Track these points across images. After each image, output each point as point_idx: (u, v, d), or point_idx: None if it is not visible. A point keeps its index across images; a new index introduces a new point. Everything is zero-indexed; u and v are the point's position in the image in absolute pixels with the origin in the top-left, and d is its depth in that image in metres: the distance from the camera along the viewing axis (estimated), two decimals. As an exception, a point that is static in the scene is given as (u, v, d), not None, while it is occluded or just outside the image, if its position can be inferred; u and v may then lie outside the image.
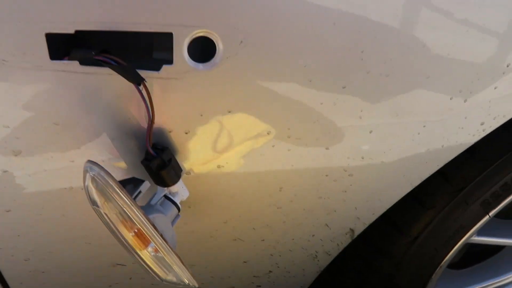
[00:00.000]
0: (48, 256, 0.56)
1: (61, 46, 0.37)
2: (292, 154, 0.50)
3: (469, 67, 0.47)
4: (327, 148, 0.51)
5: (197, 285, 0.44)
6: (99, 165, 0.37)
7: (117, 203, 0.38)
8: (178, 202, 0.47)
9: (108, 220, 0.40)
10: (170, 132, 0.45)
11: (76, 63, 0.38)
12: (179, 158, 0.48)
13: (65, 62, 0.38)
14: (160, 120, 0.44)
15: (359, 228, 0.66)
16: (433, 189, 0.71)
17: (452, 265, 0.98)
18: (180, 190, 0.48)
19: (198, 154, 0.48)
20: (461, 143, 0.55)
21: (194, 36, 0.39)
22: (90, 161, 0.37)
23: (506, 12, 0.46)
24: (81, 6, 0.35)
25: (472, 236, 0.78)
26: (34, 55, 0.37)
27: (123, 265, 0.61)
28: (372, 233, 0.71)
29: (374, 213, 0.64)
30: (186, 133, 0.45)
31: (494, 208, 0.72)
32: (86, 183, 0.38)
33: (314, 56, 0.43)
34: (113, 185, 0.37)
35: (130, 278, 0.65)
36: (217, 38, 0.39)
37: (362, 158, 0.54)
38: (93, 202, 0.39)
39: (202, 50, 0.41)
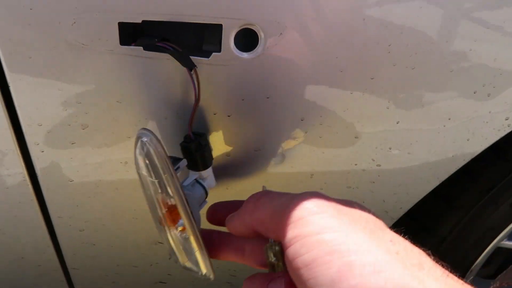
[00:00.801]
0: (101, 228, 0.62)
1: (129, 33, 0.44)
2: (323, 141, 0.55)
3: (491, 62, 0.50)
4: (356, 137, 0.55)
5: (213, 277, 0.45)
6: (152, 132, 0.40)
7: (160, 172, 0.40)
8: (207, 188, 0.51)
9: (149, 187, 0.42)
10: (214, 114, 0.51)
11: (140, 48, 0.45)
12: (220, 140, 0.53)
13: (132, 47, 0.45)
14: (205, 103, 0.49)
15: (387, 223, 0.68)
16: (460, 189, 0.72)
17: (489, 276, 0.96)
18: (209, 177, 0.52)
19: (238, 137, 0.53)
20: (487, 138, 0.57)
21: (240, 28, 0.45)
22: (144, 128, 0.41)
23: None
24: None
25: (503, 240, 0.78)
26: (107, 40, 0.44)
27: (163, 244, 0.67)
28: (399, 231, 0.73)
29: (402, 207, 0.66)
30: (229, 116, 0.51)
31: (524, 210, 0.72)
32: (136, 148, 0.40)
33: (346, 48, 0.48)
34: (161, 154, 0.39)
35: (169, 258, 0.71)
36: (259, 30, 0.45)
37: (390, 148, 0.57)
38: (139, 167, 0.41)
39: (246, 40, 0.47)
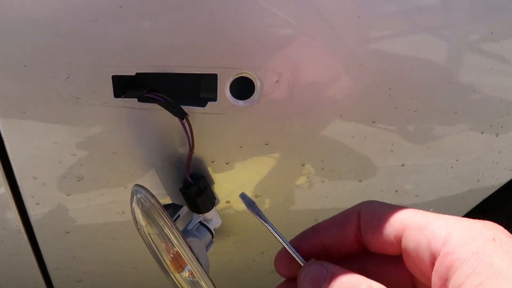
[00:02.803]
0: (99, 279, 0.61)
1: (123, 86, 0.44)
2: (326, 186, 0.53)
3: (497, 102, 0.49)
4: (360, 181, 0.53)
5: None
6: (145, 188, 0.40)
7: (159, 224, 0.40)
8: (212, 229, 0.51)
9: (150, 241, 0.42)
10: (212, 162, 0.49)
11: (135, 100, 0.44)
12: (218, 187, 0.52)
13: (126, 99, 0.44)
14: (202, 151, 0.48)
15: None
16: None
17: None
18: (213, 218, 0.52)
19: (237, 184, 0.52)
20: (498, 178, 0.55)
21: (235, 77, 0.44)
22: (137, 185, 0.41)
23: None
24: (141, 52, 0.42)
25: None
26: (101, 93, 0.43)
27: (164, 292, 0.65)
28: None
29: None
30: (227, 163, 0.50)
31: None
32: (133, 205, 0.41)
33: (344, 93, 0.46)
34: (157, 207, 0.39)
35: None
36: (255, 78, 0.44)
37: (396, 191, 0.55)
38: (138, 223, 0.41)
39: (242, 89, 0.46)
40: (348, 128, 0.49)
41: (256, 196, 0.53)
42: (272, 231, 0.31)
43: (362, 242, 0.29)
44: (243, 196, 0.32)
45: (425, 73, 0.46)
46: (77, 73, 0.42)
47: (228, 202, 0.54)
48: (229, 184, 0.52)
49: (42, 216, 0.52)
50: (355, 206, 0.30)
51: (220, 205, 0.54)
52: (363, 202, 0.30)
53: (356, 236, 0.29)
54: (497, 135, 0.51)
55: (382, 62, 0.45)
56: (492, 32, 0.45)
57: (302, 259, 0.28)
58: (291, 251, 0.29)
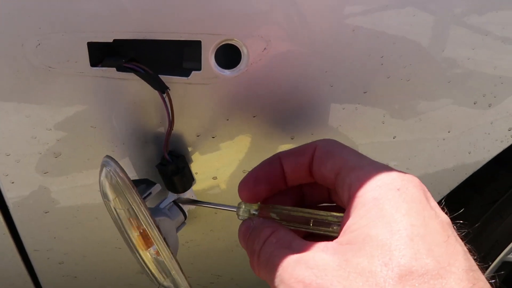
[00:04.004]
0: (81, 260, 0.58)
1: (100, 54, 0.41)
2: (316, 160, 0.51)
3: (491, 71, 0.47)
4: (350, 154, 0.52)
5: None
6: (115, 161, 0.37)
7: (127, 200, 0.38)
8: (186, 210, 0.48)
9: (116, 216, 0.40)
10: (198, 136, 0.47)
11: (113, 69, 0.41)
12: (205, 163, 0.50)
13: (104, 68, 0.41)
14: (187, 124, 0.46)
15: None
16: (464, 202, 0.69)
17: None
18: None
19: (224, 159, 0.50)
20: (489, 150, 0.54)
21: (220, 44, 0.42)
22: (108, 156, 0.38)
23: (527, 16, 0.46)
24: (119, 17, 0.39)
25: (510, 254, 0.75)
26: (77, 62, 0.40)
27: (151, 273, 0.63)
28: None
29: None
30: (213, 137, 0.47)
31: (530, 222, 0.69)
32: (101, 177, 0.38)
33: (335, 62, 0.44)
34: (126, 182, 0.37)
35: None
36: (242, 45, 0.42)
37: (387, 164, 0.54)
38: (105, 196, 0.39)
39: (229, 59, 0.43)
40: (339, 98, 0.47)
41: (244, 171, 0.51)
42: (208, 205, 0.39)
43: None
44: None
45: (418, 40, 0.44)
46: (49, 39, 0.39)
47: (215, 178, 0.52)
48: (216, 160, 0.50)
49: (18, 195, 0.49)
50: (315, 141, 0.34)
51: (207, 181, 0.52)
52: (322, 139, 0.34)
53: (309, 166, 0.33)
54: (489, 105, 0.50)
55: (374, 29, 0.43)
56: (487, -3, 0.43)
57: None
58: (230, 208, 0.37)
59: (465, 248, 0.25)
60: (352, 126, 0.49)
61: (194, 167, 0.50)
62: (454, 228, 0.26)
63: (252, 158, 0.50)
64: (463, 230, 0.27)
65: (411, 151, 0.53)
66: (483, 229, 0.70)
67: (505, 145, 0.54)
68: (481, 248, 0.72)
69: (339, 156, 0.31)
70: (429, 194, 0.28)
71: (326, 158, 0.32)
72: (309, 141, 0.49)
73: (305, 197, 0.37)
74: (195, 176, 0.51)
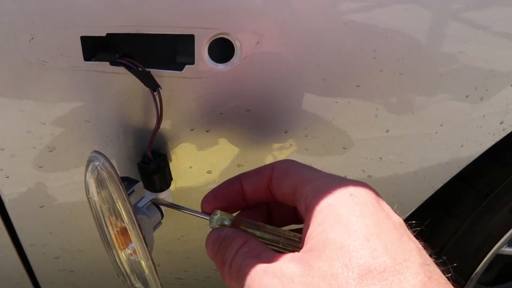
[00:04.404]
0: (78, 255, 0.59)
1: (93, 48, 0.41)
2: (310, 153, 0.52)
3: (482, 63, 0.48)
4: (344, 148, 0.52)
5: None
6: (104, 156, 0.37)
7: (112, 197, 0.37)
8: (163, 210, 0.48)
9: (99, 212, 0.40)
10: (192, 130, 0.47)
11: (107, 64, 0.42)
12: (199, 157, 0.50)
13: (97, 63, 0.41)
14: (181, 118, 0.46)
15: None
16: (457, 196, 0.70)
17: (490, 283, 0.94)
18: (166, 199, 0.49)
19: (218, 152, 0.50)
20: (482, 143, 0.55)
21: (214, 38, 0.42)
22: (96, 151, 0.38)
23: (518, 10, 0.47)
24: (112, 10, 0.39)
25: (503, 247, 0.76)
26: (70, 56, 0.40)
27: (147, 267, 0.63)
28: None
29: (396, 218, 0.63)
30: (207, 131, 0.48)
31: (523, 215, 0.70)
32: (87, 172, 0.38)
33: (328, 56, 0.45)
34: (114, 179, 0.37)
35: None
36: (235, 39, 0.42)
37: (380, 158, 0.54)
38: (89, 192, 0.39)
39: (222, 51, 0.44)
40: (332, 92, 0.47)
41: (238, 165, 0.52)
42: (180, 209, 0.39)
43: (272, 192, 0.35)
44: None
45: (410, 34, 0.45)
46: (42, 33, 0.39)
47: (209, 172, 0.52)
48: (211, 153, 0.50)
49: (13, 189, 0.49)
50: (273, 162, 0.36)
51: (202, 175, 0.52)
52: (280, 160, 0.36)
53: (267, 185, 0.35)
54: (481, 98, 0.50)
55: (366, 23, 0.43)
56: (479, -10, 0.44)
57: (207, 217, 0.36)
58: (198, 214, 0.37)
59: (419, 245, 0.26)
60: (345, 120, 0.49)
61: (189, 161, 0.50)
62: (408, 228, 0.28)
63: (246, 152, 0.50)
64: (416, 229, 0.29)
65: (404, 145, 0.53)
66: (476, 222, 0.70)
67: (497, 138, 0.54)
68: (475, 241, 0.73)
69: (296, 173, 0.33)
70: (381, 199, 0.29)
71: (284, 177, 0.33)
72: (302, 135, 0.50)
73: (272, 215, 0.39)
74: (190, 170, 0.51)
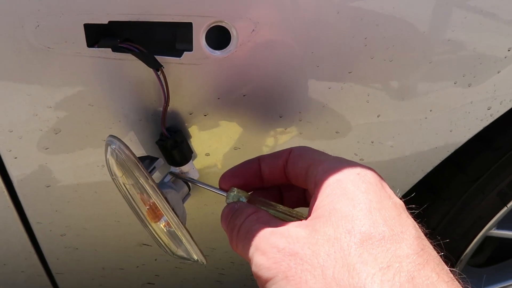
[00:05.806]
0: (82, 233, 0.62)
1: (96, 35, 0.43)
2: (304, 137, 0.54)
3: (470, 52, 0.49)
4: (337, 132, 0.54)
5: (205, 262, 0.45)
6: (119, 139, 0.40)
7: (134, 176, 0.40)
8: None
9: (126, 191, 0.43)
10: (190, 114, 0.50)
11: (109, 50, 0.44)
12: (197, 140, 0.52)
13: (100, 49, 0.43)
14: (180, 103, 0.48)
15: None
16: (448, 180, 0.72)
17: (481, 265, 0.97)
18: (191, 171, 0.52)
19: (216, 136, 0.52)
20: (470, 128, 0.57)
21: (211, 26, 0.44)
22: (111, 136, 0.40)
23: (506, -1, 0.48)
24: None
25: (492, 229, 0.78)
26: (74, 43, 0.42)
27: (148, 245, 0.66)
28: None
29: (387, 200, 0.65)
30: (205, 115, 0.50)
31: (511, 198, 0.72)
32: (107, 156, 0.40)
33: (321, 43, 0.46)
34: (131, 158, 0.39)
35: (156, 260, 0.70)
36: (231, 27, 0.44)
37: (372, 142, 0.56)
38: (113, 174, 0.42)
39: (220, 38, 0.45)
40: (325, 78, 0.49)
41: (235, 148, 0.54)
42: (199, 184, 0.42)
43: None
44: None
45: (400, 22, 0.46)
46: (48, 21, 0.41)
47: (207, 154, 0.54)
48: (209, 137, 0.52)
49: (21, 169, 0.52)
50: (290, 147, 0.38)
51: (200, 158, 0.55)
52: (297, 146, 0.38)
53: (283, 168, 0.37)
54: (469, 85, 0.52)
55: (358, 11, 0.45)
56: (467, -20, 0.45)
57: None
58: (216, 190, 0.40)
59: (415, 223, 0.30)
60: (338, 105, 0.51)
61: (188, 144, 0.52)
62: (407, 209, 0.31)
63: (243, 135, 0.53)
64: (414, 211, 0.32)
65: (395, 130, 0.56)
66: (466, 205, 0.73)
67: (484, 124, 0.56)
68: (464, 223, 0.75)
69: (309, 156, 0.36)
70: (384, 182, 0.33)
71: (298, 159, 0.36)
72: (296, 119, 0.52)
73: (283, 198, 0.41)
74: (189, 152, 0.53)
